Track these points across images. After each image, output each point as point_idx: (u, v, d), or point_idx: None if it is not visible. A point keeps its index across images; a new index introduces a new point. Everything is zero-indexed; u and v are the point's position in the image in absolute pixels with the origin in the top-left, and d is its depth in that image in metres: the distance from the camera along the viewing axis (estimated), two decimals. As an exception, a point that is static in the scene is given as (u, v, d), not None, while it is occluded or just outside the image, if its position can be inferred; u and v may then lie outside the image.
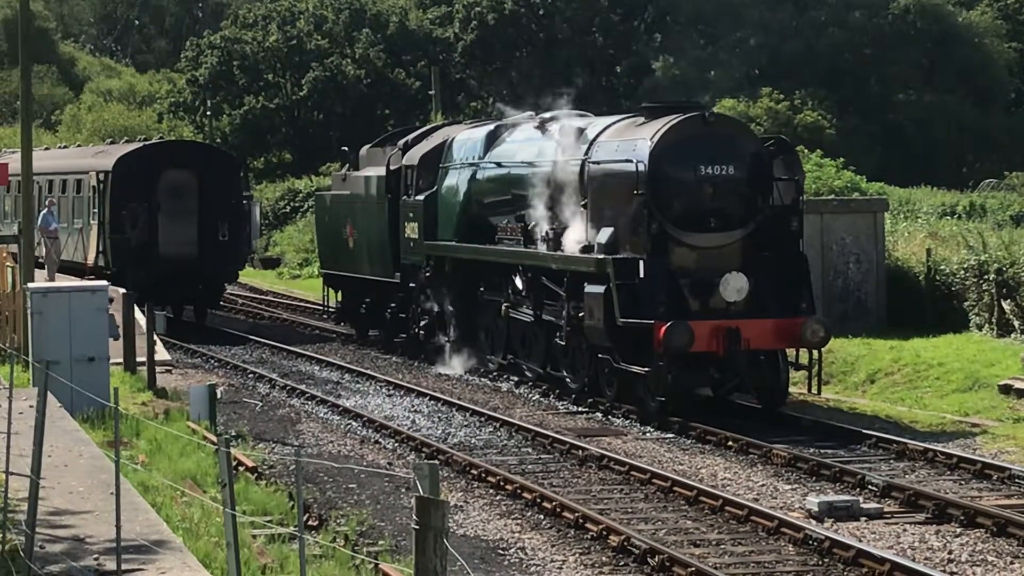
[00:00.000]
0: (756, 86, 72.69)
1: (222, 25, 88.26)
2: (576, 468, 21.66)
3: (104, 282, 27.54)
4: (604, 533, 17.29)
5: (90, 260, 42.85)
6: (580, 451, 22.41)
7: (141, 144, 45.62)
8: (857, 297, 33.02)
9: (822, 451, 22.28)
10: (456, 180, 31.91)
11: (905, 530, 17.74)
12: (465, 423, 25.57)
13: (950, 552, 16.71)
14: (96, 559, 12.83)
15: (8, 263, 31.45)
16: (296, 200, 68.77)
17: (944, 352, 28.78)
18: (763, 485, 20.31)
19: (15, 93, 79.26)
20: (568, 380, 27.72)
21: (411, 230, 33.36)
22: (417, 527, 8.58)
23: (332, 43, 79.60)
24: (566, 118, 29.38)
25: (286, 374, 32.24)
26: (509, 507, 19.24)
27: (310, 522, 17.79)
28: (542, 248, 28.06)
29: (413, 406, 27.44)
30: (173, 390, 27.40)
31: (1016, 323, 30.29)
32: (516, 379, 29.80)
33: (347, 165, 39.32)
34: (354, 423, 25.86)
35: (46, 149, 57.92)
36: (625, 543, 16.74)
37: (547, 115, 30.43)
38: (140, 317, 30.63)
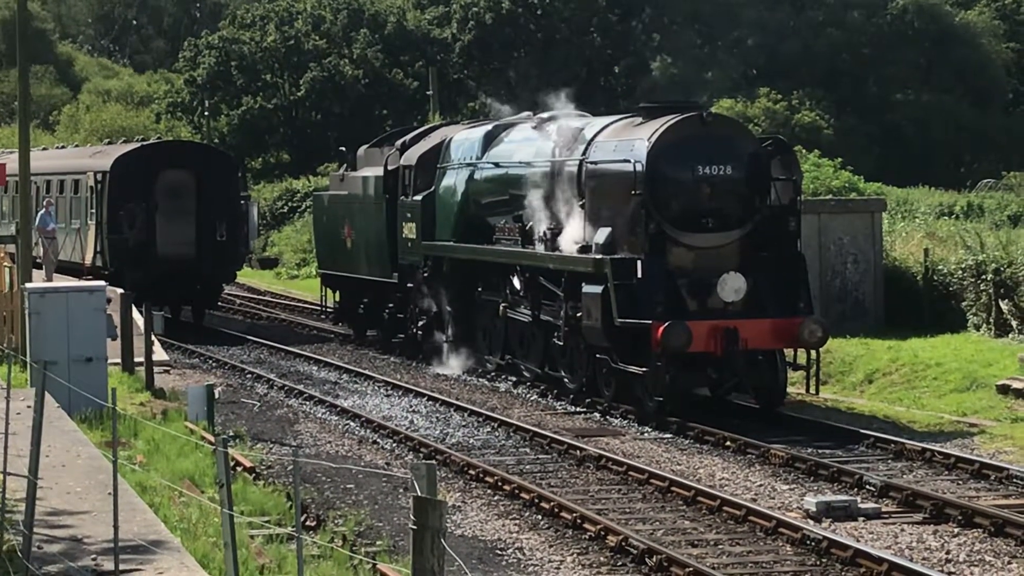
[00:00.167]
0: (754, 86, 72.74)
1: (220, 25, 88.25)
2: (574, 468, 21.66)
3: (102, 282, 27.54)
4: (602, 533, 17.29)
5: (88, 260, 42.84)
6: (578, 451, 22.41)
7: (139, 144, 45.60)
8: (855, 297, 33.02)
9: (820, 451, 22.28)
10: (454, 180, 31.92)
11: (903, 530, 17.74)
12: (463, 423, 25.57)
13: (948, 552, 16.71)
14: (94, 559, 12.83)
15: (6, 263, 31.45)
16: (294, 200, 68.78)
17: (942, 352, 28.78)
18: (761, 485, 20.31)
19: (13, 93, 79.23)
20: (566, 380, 27.72)
21: (409, 230, 33.37)
22: (415, 527, 8.58)
23: (330, 43, 79.61)
24: (564, 118, 29.38)
25: (284, 374, 32.24)
26: (507, 507, 19.24)
27: (308, 522, 17.79)
28: (540, 248, 28.06)
29: (411, 406, 27.44)
30: (171, 390, 27.40)
31: (1014, 323, 30.30)
32: (514, 379, 29.80)
33: (345, 165, 39.30)
34: (352, 423, 25.86)
35: (44, 149, 57.88)
36: (623, 543, 16.74)
37: (545, 115, 30.43)
38: (138, 317, 30.62)
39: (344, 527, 17.73)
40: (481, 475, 20.79)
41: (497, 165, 30.49)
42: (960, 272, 31.82)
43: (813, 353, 25.54)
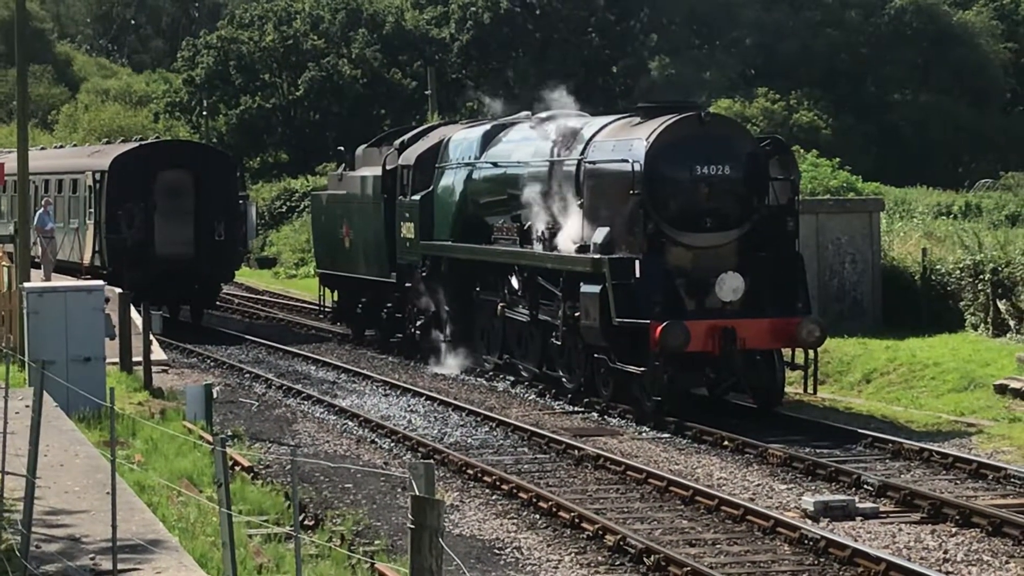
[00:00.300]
0: (752, 86, 72.81)
1: (218, 25, 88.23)
2: (572, 468, 21.66)
3: (100, 282, 27.54)
4: (600, 533, 17.30)
5: (86, 260, 42.83)
6: (576, 451, 22.42)
7: (137, 144, 45.58)
8: (853, 297, 33.03)
9: (818, 451, 22.29)
10: (452, 180, 31.91)
11: (901, 530, 17.75)
12: (461, 423, 25.57)
13: (946, 552, 16.72)
14: (92, 559, 12.83)
15: (4, 263, 31.44)
16: (292, 200, 68.77)
17: (940, 352, 28.80)
18: (759, 485, 20.32)
19: (11, 93, 79.21)
20: (564, 380, 27.72)
21: (407, 230, 33.37)
22: (413, 527, 8.59)
23: (328, 43, 79.60)
24: (562, 118, 29.37)
25: (282, 374, 32.24)
26: (505, 507, 19.24)
27: (306, 522, 17.79)
28: (538, 248, 28.07)
29: (409, 406, 27.44)
30: (169, 390, 27.40)
31: (1011, 323, 30.31)
32: (512, 379, 29.81)
33: (343, 165, 39.30)
34: (350, 423, 25.86)
35: (42, 149, 57.87)
36: (621, 543, 16.75)
37: (543, 115, 30.43)
38: (136, 317, 30.61)
39: (342, 526, 17.73)
40: (479, 474, 20.79)
41: (495, 165, 30.49)
42: (958, 272, 31.84)
43: (811, 353, 25.55)
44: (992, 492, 19.65)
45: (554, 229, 27.51)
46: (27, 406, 17.34)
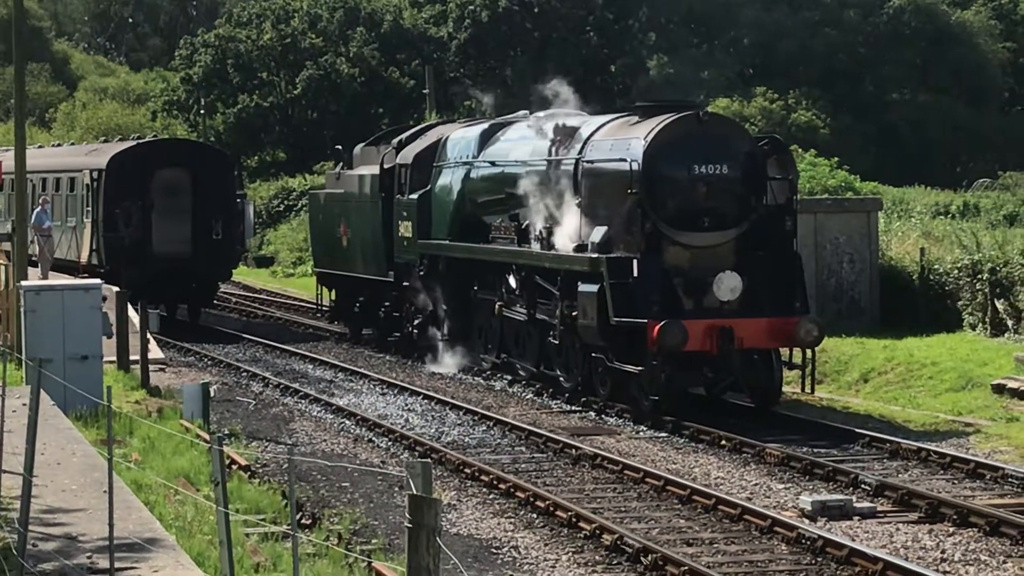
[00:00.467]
0: (750, 85, 72.82)
1: (216, 23, 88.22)
2: (569, 467, 21.65)
3: (98, 280, 27.52)
4: (597, 532, 17.29)
5: (84, 258, 42.81)
6: (573, 450, 22.41)
7: (135, 142, 45.59)
8: (851, 296, 33.03)
9: (815, 450, 22.29)
10: (450, 179, 31.91)
11: (898, 529, 17.75)
12: (458, 422, 25.56)
13: (943, 551, 16.71)
14: (89, 557, 12.82)
15: (1, 261, 31.42)
16: (290, 199, 68.78)
17: (937, 352, 28.80)
18: (756, 484, 20.31)
19: (9, 91, 79.15)
20: (561, 379, 27.72)
21: (405, 229, 33.36)
22: (410, 526, 8.58)
23: (326, 42, 79.59)
24: (560, 117, 29.36)
25: (279, 373, 32.24)
26: (502, 506, 19.24)
27: (303, 520, 17.78)
28: (536, 247, 28.06)
29: (406, 405, 27.43)
30: (166, 388, 27.39)
31: (1009, 323, 30.32)
32: (509, 378, 29.80)
33: (341, 164, 39.30)
34: (347, 422, 25.85)
35: (40, 147, 57.84)
36: (618, 542, 16.74)
37: (541, 114, 30.42)
38: (133, 315, 30.61)
39: (339, 525, 17.72)
40: (476, 474, 20.78)
41: (493, 164, 30.48)
42: (956, 272, 31.84)
43: (809, 352, 25.54)
44: (990, 492, 19.65)
45: (552, 228, 27.50)
46: (24, 404, 17.34)
